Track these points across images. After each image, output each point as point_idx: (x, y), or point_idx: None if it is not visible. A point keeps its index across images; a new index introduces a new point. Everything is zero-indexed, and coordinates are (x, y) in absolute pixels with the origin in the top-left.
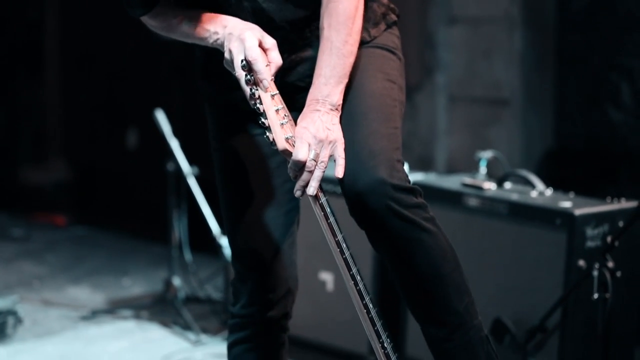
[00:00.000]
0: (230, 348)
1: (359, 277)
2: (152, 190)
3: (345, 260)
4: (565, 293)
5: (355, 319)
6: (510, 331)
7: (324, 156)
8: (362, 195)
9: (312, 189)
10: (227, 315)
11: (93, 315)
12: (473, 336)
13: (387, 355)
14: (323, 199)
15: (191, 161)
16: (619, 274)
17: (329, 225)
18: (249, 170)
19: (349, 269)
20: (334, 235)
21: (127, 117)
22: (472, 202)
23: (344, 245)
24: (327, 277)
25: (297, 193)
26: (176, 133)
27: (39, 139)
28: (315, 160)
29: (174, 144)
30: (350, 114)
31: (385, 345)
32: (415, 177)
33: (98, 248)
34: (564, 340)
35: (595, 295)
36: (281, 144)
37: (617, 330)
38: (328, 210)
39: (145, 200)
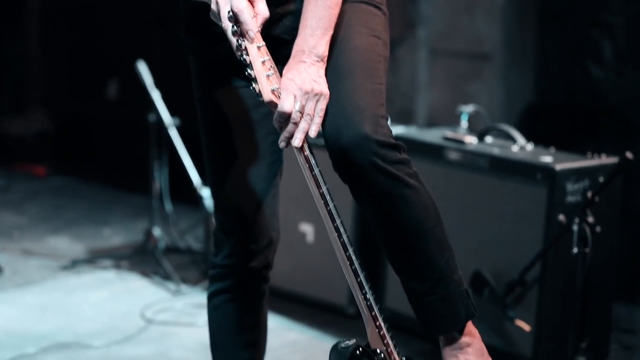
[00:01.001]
0: (210, 298)
1: (342, 229)
2: (133, 141)
3: (329, 212)
4: (545, 247)
5: (335, 270)
6: (489, 284)
7: (309, 108)
8: (346, 151)
9: (297, 141)
10: (207, 265)
11: (73, 265)
12: (453, 290)
13: (369, 307)
14: (308, 151)
15: (172, 112)
16: (598, 229)
17: (314, 177)
18: (232, 121)
19: (333, 221)
20: (319, 187)
21: (108, 68)
22: (453, 155)
23: (328, 197)
24: (307, 228)
25: (282, 144)
26: (157, 84)
27: (20, 89)
28: (300, 112)
29: (155, 95)
30: (335, 69)
31: (368, 296)
32: (396, 130)
33: (78, 198)
34: (543, 294)
35: (575, 250)
36: (267, 96)
37: (595, 285)
38: (313, 162)
39: (126, 151)
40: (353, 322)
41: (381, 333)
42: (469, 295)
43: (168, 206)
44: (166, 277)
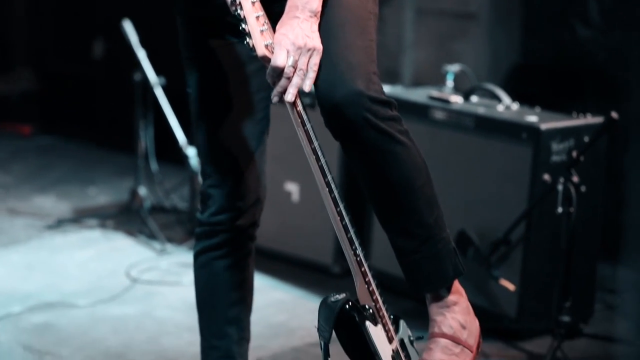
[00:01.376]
0: (197, 256)
1: (333, 185)
2: (119, 100)
3: (320, 167)
4: (530, 207)
5: (320, 229)
6: (474, 244)
7: (302, 63)
8: (339, 107)
9: (290, 96)
10: (193, 224)
11: (59, 224)
12: (441, 248)
13: (359, 263)
14: (300, 106)
15: (158, 71)
16: (583, 188)
17: (306, 132)
18: (223, 77)
19: (324, 176)
20: (310, 142)
21: (94, 27)
22: (439, 115)
23: (319, 153)
24: (292, 188)
25: (274, 99)
26: (143, 43)
27: (5, 48)
28: (293, 67)
29: (141, 54)
30: (327, 25)
31: (358, 252)
32: None
33: (64, 158)
34: (528, 254)
35: (560, 210)
36: (260, 51)
37: (580, 245)
38: (305, 117)
39: (112, 110)
40: (338, 282)
41: (370, 289)
42: (457, 253)
43: (153, 165)
44: (151, 236)
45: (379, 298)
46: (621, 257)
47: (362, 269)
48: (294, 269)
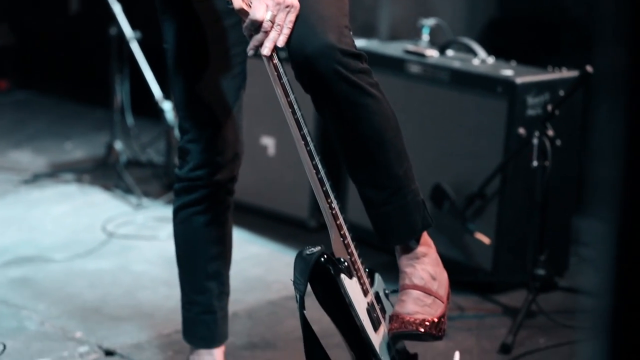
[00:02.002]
0: (176, 212)
1: (309, 138)
2: (95, 54)
3: (296, 120)
4: (505, 160)
5: (296, 183)
6: (449, 197)
7: (280, 19)
8: (310, 59)
9: (266, 50)
10: (169, 178)
11: (35, 179)
12: (411, 200)
13: (334, 216)
14: (276, 60)
15: (134, 25)
16: (558, 142)
17: (282, 85)
18: (200, 31)
19: (300, 129)
20: (287, 95)
21: None
22: (414, 69)
23: (295, 106)
24: (268, 142)
25: (250, 52)
26: None
27: None
28: (271, 22)
29: (117, 9)
30: None
31: (333, 205)
32: (358, 44)
33: (40, 112)
34: (503, 207)
35: (535, 163)
36: (237, 3)
37: (555, 199)
38: (281, 70)
39: (88, 65)
40: (314, 235)
41: (345, 242)
42: (425, 205)
43: (129, 120)
44: (128, 190)
45: (354, 251)
46: (588, 208)
47: (337, 222)
48: (269, 223)
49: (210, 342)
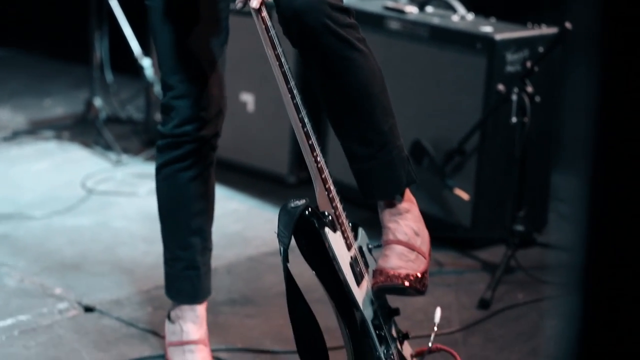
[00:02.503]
0: (160, 169)
1: (295, 91)
2: (74, 11)
3: (283, 73)
4: (484, 117)
5: (276, 139)
6: (428, 154)
7: None
8: (299, 13)
9: (255, 2)
10: (148, 135)
11: (14, 136)
12: (396, 156)
13: (320, 169)
14: (265, 12)
15: None
16: (537, 98)
17: (270, 37)
18: None
19: (287, 82)
20: (274, 48)
21: None
22: (394, 25)
23: (283, 59)
24: (247, 98)
25: (239, 5)
26: None
27: None
28: None
29: None
30: None
31: (319, 159)
32: None
33: (19, 69)
34: (482, 164)
35: (514, 119)
36: None
37: (534, 155)
38: (269, 23)
39: (67, 22)
40: (294, 191)
41: (330, 196)
42: (409, 161)
43: (109, 76)
44: (107, 147)
45: (338, 205)
46: (561, 164)
47: (323, 176)
48: (249, 179)
49: (194, 298)
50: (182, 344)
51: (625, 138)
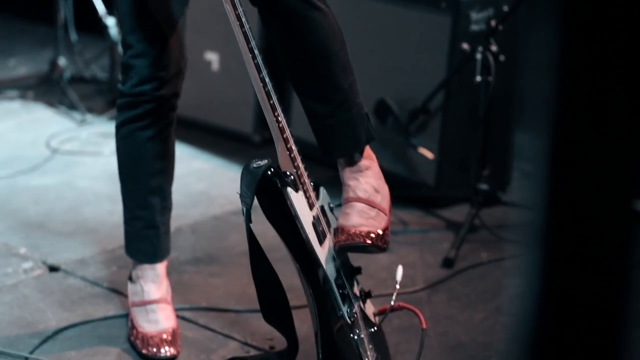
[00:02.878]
0: (119, 127)
1: (256, 51)
2: None
3: (244, 33)
4: (448, 75)
5: (240, 98)
6: (393, 112)
7: None
8: None
9: None
10: (113, 94)
11: None
12: (355, 113)
13: (281, 129)
14: None
15: None
16: (502, 57)
17: None
18: None
19: (248, 42)
20: (235, 7)
21: None
22: None
23: (243, 19)
24: (212, 57)
25: None
26: None
27: None
28: None
29: None
30: None
31: (280, 119)
32: None
33: None
34: (446, 122)
35: (478, 78)
36: None
37: (498, 114)
38: None
39: None
40: (258, 151)
41: (292, 156)
42: (369, 118)
43: (73, 35)
44: (72, 106)
45: (300, 165)
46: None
47: (284, 136)
48: (213, 138)
49: (153, 257)
50: (144, 303)
51: (586, 97)
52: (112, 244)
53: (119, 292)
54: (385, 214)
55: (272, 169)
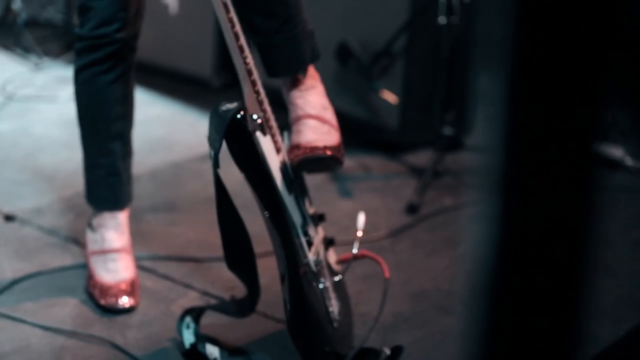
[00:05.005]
0: (78, 72)
1: None
2: None
3: None
4: (411, 17)
5: (199, 42)
6: (355, 55)
7: None
8: None
9: None
10: (69, 38)
11: None
12: (301, 30)
13: (249, 71)
14: None
15: None
16: None
17: None
18: None
19: None
20: None
21: None
22: None
23: None
24: None
25: None
26: None
27: None
28: None
29: None
30: None
31: (248, 60)
32: None
33: None
34: (409, 65)
35: (442, 20)
36: None
37: (462, 56)
38: None
39: None
40: (217, 96)
41: (259, 98)
42: (314, 36)
43: None
44: (27, 50)
45: (267, 108)
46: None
47: (252, 78)
48: (172, 83)
49: (115, 205)
50: (104, 252)
51: (543, 37)
52: (68, 191)
53: (76, 241)
54: (336, 130)
55: (242, 112)
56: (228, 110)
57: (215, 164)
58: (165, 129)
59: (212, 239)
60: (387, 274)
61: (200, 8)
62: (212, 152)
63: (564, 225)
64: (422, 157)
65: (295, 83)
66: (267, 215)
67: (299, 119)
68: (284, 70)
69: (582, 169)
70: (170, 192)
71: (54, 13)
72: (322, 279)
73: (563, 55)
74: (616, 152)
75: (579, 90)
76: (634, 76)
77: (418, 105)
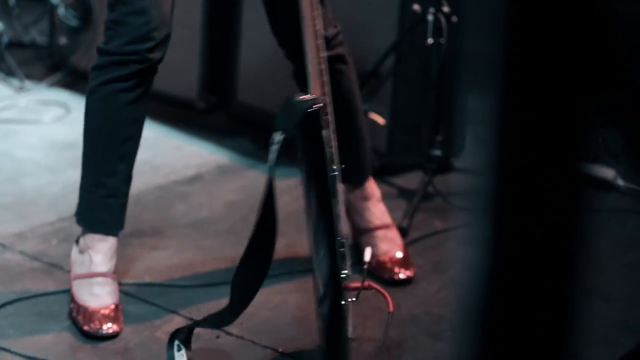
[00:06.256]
0: (98, 87)
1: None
2: None
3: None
4: (399, 38)
5: (186, 64)
6: None
7: None
8: None
9: None
10: (53, 60)
11: None
12: (365, 147)
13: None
14: None
15: None
16: (454, 19)
17: None
18: None
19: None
20: None
21: None
22: None
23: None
24: None
25: None
26: None
27: None
28: None
29: None
30: None
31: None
32: None
33: None
34: (398, 87)
35: (430, 41)
36: None
37: (451, 77)
38: None
39: None
40: (203, 117)
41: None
42: (372, 149)
43: None
44: (9, 73)
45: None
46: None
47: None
48: (157, 105)
49: (111, 228)
50: (90, 275)
51: (532, 57)
52: (52, 216)
53: (60, 267)
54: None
55: (316, 104)
56: (305, 100)
57: (277, 155)
58: (150, 151)
59: (197, 265)
60: (391, 308)
61: (185, 29)
62: (283, 138)
63: (555, 248)
64: (411, 180)
65: (360, 189)
66: (314, 218)
67: (377, 228)
68: (351, 182)
69: (573, 191)
70: (155, 216)
71: (37, 35)
72: (347, 297)
73: (551, 76)
74: (608, 173)
75: (568, 111)
76: (624, 97)
77: (407, 127)
